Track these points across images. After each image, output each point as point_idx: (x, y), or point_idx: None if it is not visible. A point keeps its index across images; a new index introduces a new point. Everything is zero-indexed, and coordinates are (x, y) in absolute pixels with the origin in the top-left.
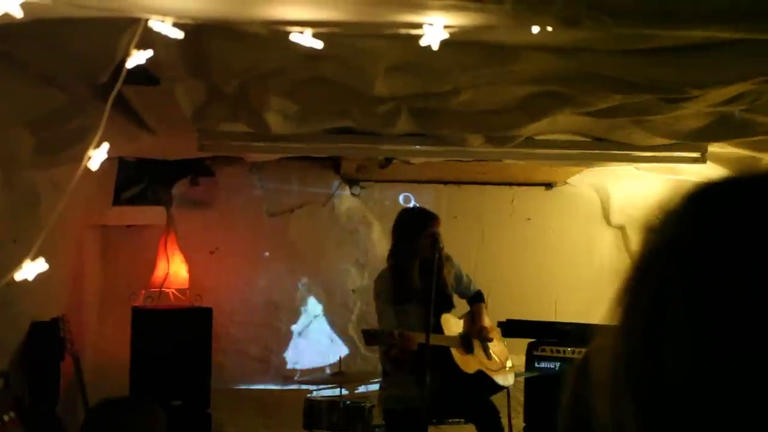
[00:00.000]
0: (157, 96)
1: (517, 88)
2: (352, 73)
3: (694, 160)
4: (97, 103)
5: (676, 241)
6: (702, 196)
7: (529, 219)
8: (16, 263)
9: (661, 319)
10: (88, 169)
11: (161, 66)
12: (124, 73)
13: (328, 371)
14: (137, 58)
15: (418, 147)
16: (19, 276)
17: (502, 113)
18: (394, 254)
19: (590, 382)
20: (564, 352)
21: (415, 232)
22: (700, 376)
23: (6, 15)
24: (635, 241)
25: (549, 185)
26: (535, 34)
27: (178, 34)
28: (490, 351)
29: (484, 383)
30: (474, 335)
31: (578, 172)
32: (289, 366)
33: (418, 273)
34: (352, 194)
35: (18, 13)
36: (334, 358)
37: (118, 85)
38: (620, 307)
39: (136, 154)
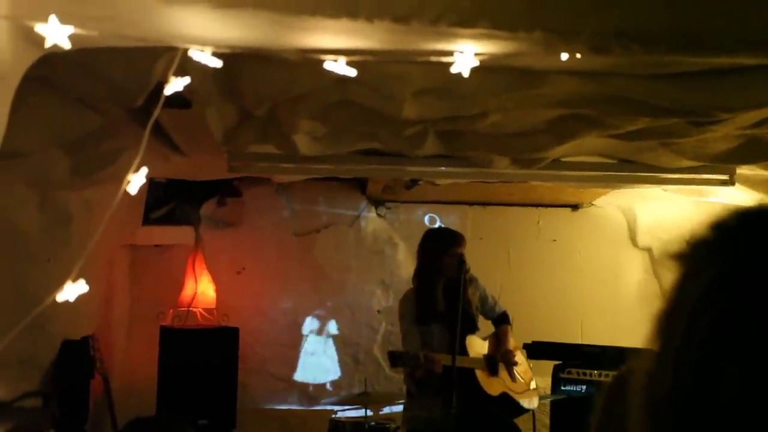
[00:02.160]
0: (188, 118)
1: (545, 111)
2: (381, 97)
3: (723, 183)
4: (132, 126)
5: (736, 268)
6: (740, 227)
7: (555, 240)
8: (51, 281)
9: (716, 347)
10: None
11: (194, 90)
12: (162, 100)
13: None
14: (175, 85)
15: (444, 168)
16: (60, 297)
17: (530, 136)
18: (419, 275)
19: (626, 402)
20: (590, 374)
21: (441, 252)
22: (750, 403)
23: (54, 46)
24: (663, 263)
25: (575, 206)
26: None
27: (217, 63)
28: (515, 373)
29: (509, 406)
30: (499, 358)
31: (605, 193)
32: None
33: (442, 294)
34: (378, 215)
35: (66, 45)
36: (359, 379)
37: (156, 112)
38: (665, 332)
39: (166, 174)
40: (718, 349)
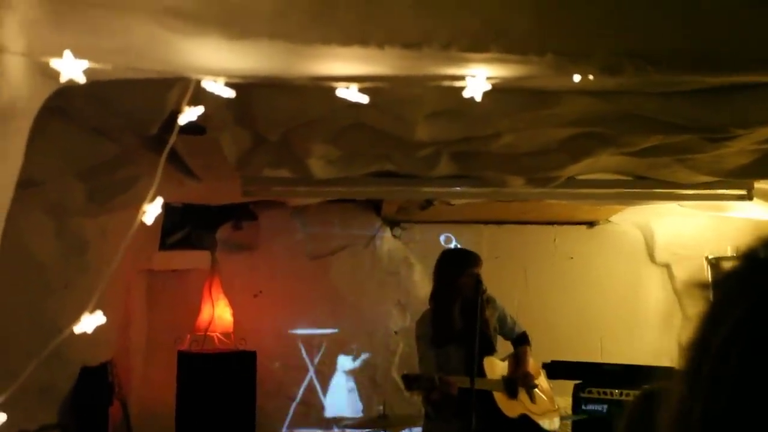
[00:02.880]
0: (202, 144)
1: (558, 131)
2: (394, 120)
3: (740, 198)
4: (146, 153)
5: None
6: None
7: (572, 258)
8: (67, 308)
9: (748, 379)
10: (136, 215)
11: (208, 117)
12: (176, 130)
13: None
14: (189, 114)
15: (458, 189)
16: (78, 329)
17: (543, 155)
18: (435, 296)
19: (653, 420)
20: (612, 393)
21: (457, 273)
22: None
23: (70, 80)
24: (680, 278)
25: (591, 224)
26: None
27: (230, 93)
28: (536, 394)
29: (529, 428)
30: (519, 379)
31: (621, 210)
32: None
33: (459, 315)
34: (394, 236)
35: (81, 79)
36: (377, 401)
37: (171, 141)
38: (696, 362)
39: (182, 199)
40: (749, 381)
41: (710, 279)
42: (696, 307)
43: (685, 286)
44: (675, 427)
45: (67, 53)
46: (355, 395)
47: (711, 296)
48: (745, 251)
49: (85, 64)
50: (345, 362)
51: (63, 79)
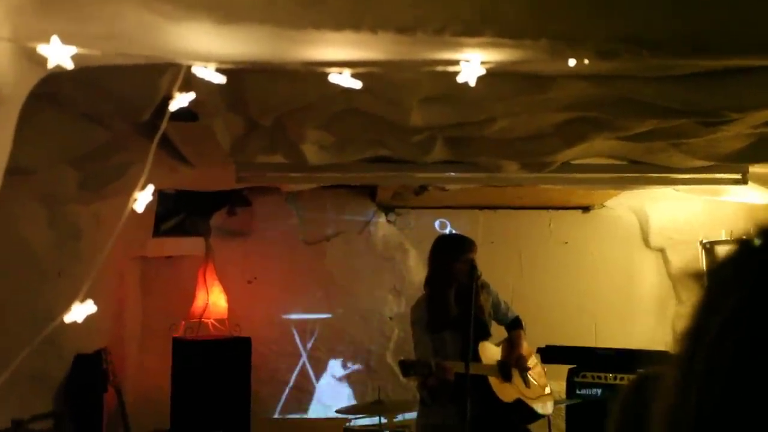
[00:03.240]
0: (195, 131)
1: (553, 115)
2: (388, 105)
3: (736, 182)
4: (139, 139)
5: (762, 292)
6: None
7: (566, 243)
8: (61, 296)
9: (742, 372)
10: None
11: (200, 103)
12: (167, 116)
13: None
14: (180, 101)
15: (453, 174)
16: (68, 318)
17: (538, 139)
18: (430, 282)
19: (646, 418)
20: (606, 378)
21: (452, 259)
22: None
23: (57, 66)
24: (675, 263)
25: (586, 208)
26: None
27: (221, 79)
28: (529, 378)
29: (523, 412)
30: (513, 363)
31: (616, 194)
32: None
33: (454, 300)
34: (388, 221)
35: (69, 65)
36: (372, 387)
37: (162, 128)
38: (689, 353)
39: (175, 186)
40: (744, 373)
41: (705, 264)
42: (691, 296)
43: (680, 275)
44: (669, 417)
45: (55, 39)
46: (350, 381)
47: (705, 284)
48: (740, 238)
49: (72, 50)
50: (339, 348)
51: (50, 65)
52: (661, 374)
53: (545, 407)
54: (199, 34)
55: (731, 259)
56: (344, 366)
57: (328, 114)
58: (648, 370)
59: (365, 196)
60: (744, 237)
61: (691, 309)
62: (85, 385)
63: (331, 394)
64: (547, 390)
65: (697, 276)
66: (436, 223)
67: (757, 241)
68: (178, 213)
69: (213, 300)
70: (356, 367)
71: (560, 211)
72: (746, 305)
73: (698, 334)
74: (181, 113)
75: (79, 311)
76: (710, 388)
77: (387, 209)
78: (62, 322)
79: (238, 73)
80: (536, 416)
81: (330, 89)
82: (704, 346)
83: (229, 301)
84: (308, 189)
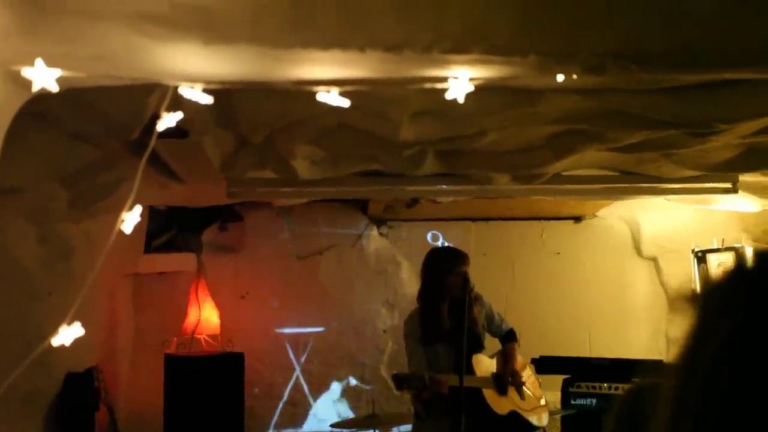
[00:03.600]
0: (185, 147)
1: (543, 128)
2: (378, 121)
3: (726, 191)
4: (128, 157)
5: (756, 317)
6: (762, 274)
7: (558, 253)
8: (53, 315)
9: (738, 393)
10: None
11: (190, 121)
12: (155, 136)
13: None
14: (167, 120)
15: (444, 186)
16: (56, 341)
17: (529, 152)
18: (423, 295)
19: (643, 415)
20: (600, 387)
21: (445, 272)
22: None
23: (42, 89)
24: (667, 271)
25: (578, 218)
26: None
27: (208, 100)
28: (524, 390)
29: (518, 424)
30: (507, 376)
31: (607, 204)
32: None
33: (447, 313)
34: (380, 234)
35: (54, 88)
36: (366, 400)
37: (150, 146)
38: (686, 375)
39: (166, 202)
40: (739, 393)
41: (697, 273)
42: (684, 318)
43: (673, 299)
44: (668, 429)
45: (39, 62)
46: (344, 394)
47: (698, 308)
48: (736, 265)
49: (58, 72)
50: (333, 361)
51: (35, 88)
52: (656, 386)
53: (540, 419)
54: (186, 54)
55: (722, 285)
56: (338, 379)
57: (318, 130)
58: (642, 380)
59: (357, 210)
60: (737, 259)
61: (683, 337)
62: (76, 404)
63: (325, 407)
64: (543, 401)
65: (689, 300)
66: (428, 236)
67: (750, 268)
68: (169, 229)
69: (205, 316)
70: (350, 380)
71: (552, 221)
72: (738, 334)
73: (692, 363)
74: (171, 130)
75: (67, 334)
76: (706, 415)
77: (379, 222)
78: (48, 345)
79: (227, 91)
80: (531, 428)
81: (319, 106)
82: (699, 376)
83: (221, 317)
84: (300, 203)
